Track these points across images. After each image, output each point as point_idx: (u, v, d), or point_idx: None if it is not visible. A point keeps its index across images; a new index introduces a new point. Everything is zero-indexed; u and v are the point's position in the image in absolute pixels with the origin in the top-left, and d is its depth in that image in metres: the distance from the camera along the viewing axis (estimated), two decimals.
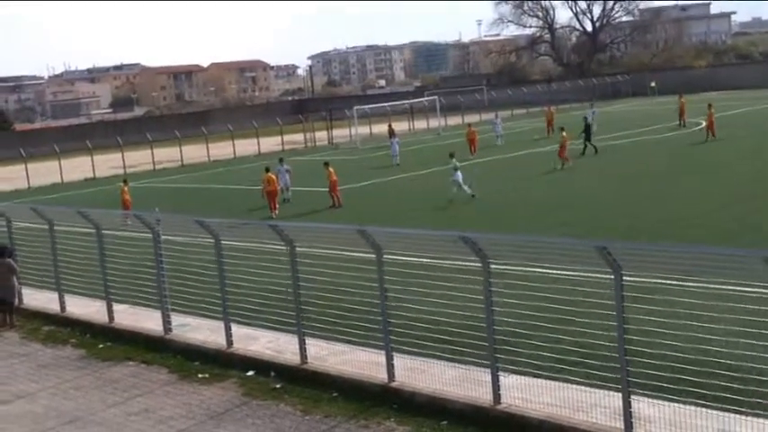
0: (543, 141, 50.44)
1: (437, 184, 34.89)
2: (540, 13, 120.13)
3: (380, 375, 12.87)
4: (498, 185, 34.76)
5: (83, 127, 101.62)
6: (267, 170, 32.99)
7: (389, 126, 60.96)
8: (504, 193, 32.58)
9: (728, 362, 10.95)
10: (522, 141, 52.64)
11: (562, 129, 40.07)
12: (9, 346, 17.69)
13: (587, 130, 42.61)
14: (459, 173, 31.45)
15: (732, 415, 10.06)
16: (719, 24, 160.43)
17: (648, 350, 10.62)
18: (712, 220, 23.31)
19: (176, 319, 16.73)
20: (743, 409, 10.00)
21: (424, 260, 15.05)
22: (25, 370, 16.00)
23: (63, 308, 19.32)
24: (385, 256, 12.72)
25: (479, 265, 11.52)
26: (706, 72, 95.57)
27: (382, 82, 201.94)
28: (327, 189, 32.91)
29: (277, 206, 32.21)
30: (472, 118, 67.85)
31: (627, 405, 10.34)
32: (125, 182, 35.83)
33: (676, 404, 10.34)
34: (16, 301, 19.79)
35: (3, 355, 17.09)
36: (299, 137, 68.37)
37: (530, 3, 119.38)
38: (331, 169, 32.90)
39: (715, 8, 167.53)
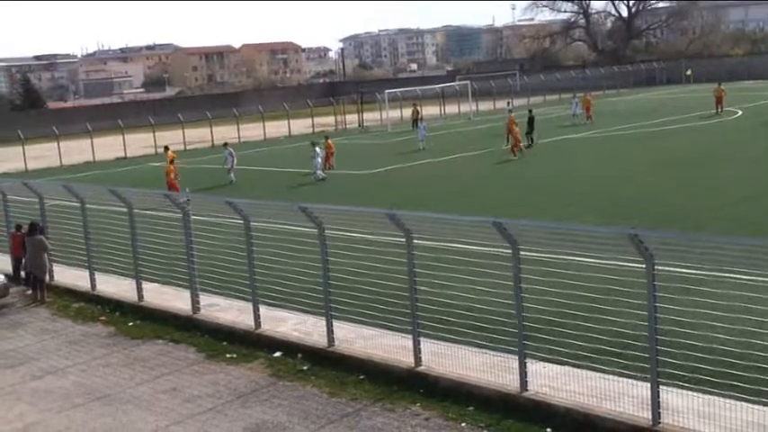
0: (581, 128, 50.40)
1: (471, 169, 34.72)
2: None
3: (407, 359, 12.85)
4: (525, 169, 34.62)
5: (115, 106, 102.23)
6: (166, 148, 37.89)
7: (414, 108, 60.36)
8: (532, 177, 32.40)
9: (760, 353, 10.81)
10: (554, 128, 52.12)
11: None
12: (40, 322, 17.90)
13: (531, 122, 43.77)
14: (319, 159, 36.48)
15: (764, 408, 9.91)
16: (758, 12, 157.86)
17: (679, 340, 10.50)
18: (741, 211, 22.97)
19: (205, 299, 16.84)
20: None
21: (454, 245, 14.96)
22: (55, 346, 16.18)
23: (93, 285, 19.49)
24: (415, 241, 12.67)
25: (509, 251, 11.44)
26: (743, 60, 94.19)
27: (414, 66, 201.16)
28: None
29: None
30: (504, 104, 67.36)
31: (655, 395, 10.23)
32: (166, 148, 37.53)
33: (706, 395, 10.22)
34: (47, 277, 20.04)
35: (34, 331, 17.30)
36: (329, 119, 68.38)
37: None
38: (329, 141, 40.57)
39: None
